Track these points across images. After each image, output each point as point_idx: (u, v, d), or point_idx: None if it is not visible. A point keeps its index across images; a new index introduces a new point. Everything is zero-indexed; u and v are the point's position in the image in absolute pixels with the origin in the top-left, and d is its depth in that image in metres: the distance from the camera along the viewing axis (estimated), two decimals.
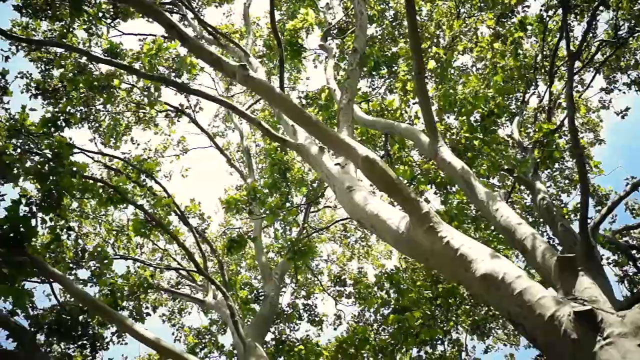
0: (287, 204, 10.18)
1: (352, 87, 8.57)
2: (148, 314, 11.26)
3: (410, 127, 8.76)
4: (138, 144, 13.34)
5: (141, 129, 13.11)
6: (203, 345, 14.17)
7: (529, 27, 11.83)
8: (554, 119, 11.87)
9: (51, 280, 7.69)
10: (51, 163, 7.69)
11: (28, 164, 8.16)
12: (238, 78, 6.38)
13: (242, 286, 11.88)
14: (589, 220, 8.82)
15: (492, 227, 10.31)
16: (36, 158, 8.56)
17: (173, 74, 11.04)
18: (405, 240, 5.53)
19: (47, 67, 11.90)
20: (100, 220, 12.72)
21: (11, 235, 7.15)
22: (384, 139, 9.35)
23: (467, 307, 11.35)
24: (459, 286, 11.05)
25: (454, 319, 11.80)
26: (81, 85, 10.14)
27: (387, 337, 9.25)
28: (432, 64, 10.15)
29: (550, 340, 4.03)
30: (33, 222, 7.60)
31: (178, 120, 13.45)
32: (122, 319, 6.54)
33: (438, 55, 10.30)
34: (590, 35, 12.38)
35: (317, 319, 14.68)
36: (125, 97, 12.41)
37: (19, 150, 8.07)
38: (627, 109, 12.90)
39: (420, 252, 5.41)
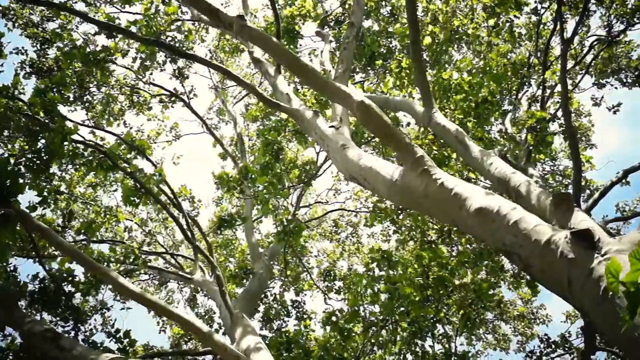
0: (279, 186, 10.10)
1: (347, 59, 8.57)
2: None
3: (404, 99, 8.77)
4: (131, 127, 13.22)
5: (134, 113, 13.02)
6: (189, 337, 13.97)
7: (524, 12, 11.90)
8: (547, 112, 11.90)
9: (37, 236, 7.52)
10: (42, 120, 7.60)
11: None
12: (235, 29, 6.35)
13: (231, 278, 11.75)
14: (581, 205, 8.82)
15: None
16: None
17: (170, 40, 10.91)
18: (399, 187, 5.48)
19: (42, 46, 11.87)
20: (88, 202, 12.57)
21: None
22: None
23: (457, 297, 11.26)
24: (449, 274, 11.00)
25: (444, 310, 11.71)
26: (76, 59, 10.06)
27: (378, 310, 9.11)
28: (427, 39, 10.20)
29: (547, 264, 3.97)
30: (20, 181, 7.48)
31: (172, 106, 13.40)
32: (107, 272, 6.41)
33: (435, 34, 10.36)
34: (583, 31, 12.54)
35: (305, 315, 14.50)
36: (119, 80, 12.41)
37: (9, 110, 7.96)
38: (619, 104, 12.98)
39: (413, 196, 5.35)
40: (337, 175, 16.10)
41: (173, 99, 13.23)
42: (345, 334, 8.89)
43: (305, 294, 14.93)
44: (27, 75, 11.39)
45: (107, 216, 11.89)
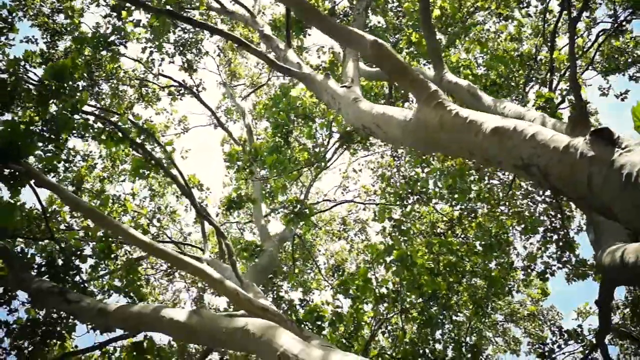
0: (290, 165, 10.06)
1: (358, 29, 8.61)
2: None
3: (415, 68, 8.80)
4: (140, 118, 13.18)
5: (143, 106, 13.08)
6: None
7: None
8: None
9: (43, 189, 7.49)
10: (52, 87, 7.61)
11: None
12: None
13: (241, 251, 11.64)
14: None
15: None
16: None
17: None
18: (413, 125, 5.46)
19: (53, 38, 11.98)
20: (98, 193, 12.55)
21: (8, 148, 7.05)
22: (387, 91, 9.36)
23: (468, 283, 11.17)
24: (460, 260, 10.91)
25: (455, 298, 11.58)
26: (86, 44, 10.14)
27: (391, 278, 8.97)
28: (437, 12, 10.25)
29: (566, 167, 3.92)
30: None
31: (181, 99, 13.45)
32: (118, 224, 6.36)
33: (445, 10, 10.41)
34: (589, 18, 12.61)
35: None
36: (128, 73, 12.49)
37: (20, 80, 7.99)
38: (626, 91, 12.96)
39: (428, 131, 5.32)
40: (345, 172, 16.10)
41: (182, 91, 13.28)
42: (358, 304, 8.76)
43: (314, 293, 14.81)
44: (37, 65, 11.48)
45: (115, 205, 11.84)
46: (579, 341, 12.16)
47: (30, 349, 8.74)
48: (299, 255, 14.48)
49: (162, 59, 12.70)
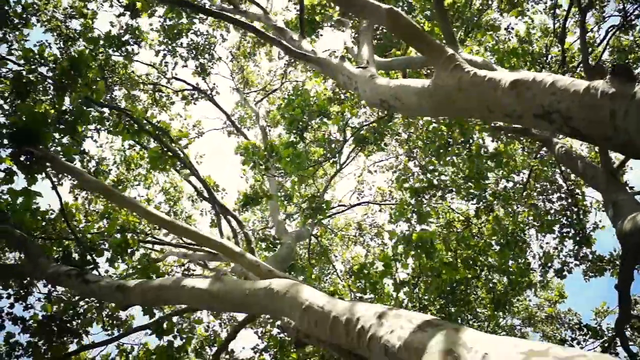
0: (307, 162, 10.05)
1: None
2: None
3: None
4: (155, 117, 13.25)
5: (157, 112, 13.15)
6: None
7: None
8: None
9: (64, 176, 7.52)
10: (70, 75, 7.67)
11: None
12: None
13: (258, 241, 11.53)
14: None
15: None
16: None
17: None
18: (431, 90, 5.46)
19: (66, 43, 12.09)
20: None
21: (24, 132, 7.10)
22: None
23: (486, 278, 11.03)
24: (477, 255, 10.81)
25: (474, 294, 11.45)
26: (100, 43, 10.24)
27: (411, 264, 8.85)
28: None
29: (588, 108, 3.93)
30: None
31: (195, 103, 13.52)
32: (136, 203, 6.35)
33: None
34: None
35: None
36: (142, 78, 12.58)
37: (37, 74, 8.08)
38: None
39: (446, 95, 5.32)
40: (360, 176, 16.06)
41: (196, 95, 13.36)
42: (378, 287, 8.67)
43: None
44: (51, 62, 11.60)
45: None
46: (599, 337, 11.99)
47: (46, 345, 8.73)
48: (315, 261, 14.39)
49: (176, 63, 12.81)
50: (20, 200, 7.20)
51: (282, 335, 9.23)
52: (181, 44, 12.75)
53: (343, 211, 15.25)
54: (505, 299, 11.43)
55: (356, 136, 12.35)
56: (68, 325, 8.83)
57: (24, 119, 7.14)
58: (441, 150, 9.04)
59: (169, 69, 12.78)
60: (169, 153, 8.60)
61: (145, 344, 10.72)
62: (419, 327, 3.61)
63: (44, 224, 9.53)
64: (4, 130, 7.01)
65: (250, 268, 5.78)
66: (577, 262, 12.43)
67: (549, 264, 12.92)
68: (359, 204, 15.55)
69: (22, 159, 7.12)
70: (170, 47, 12.30)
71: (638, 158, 4.10)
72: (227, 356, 14.78)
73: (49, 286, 8.97)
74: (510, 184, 13.12)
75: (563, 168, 12.12)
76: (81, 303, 9.01)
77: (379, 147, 12.95)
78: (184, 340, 6.49)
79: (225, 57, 16.49)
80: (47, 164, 6.93)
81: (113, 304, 9.79)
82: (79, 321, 8.74)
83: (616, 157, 11.04)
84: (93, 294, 6.19)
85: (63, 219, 7.69)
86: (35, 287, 8.90)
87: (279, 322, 6.35)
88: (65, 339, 8.80)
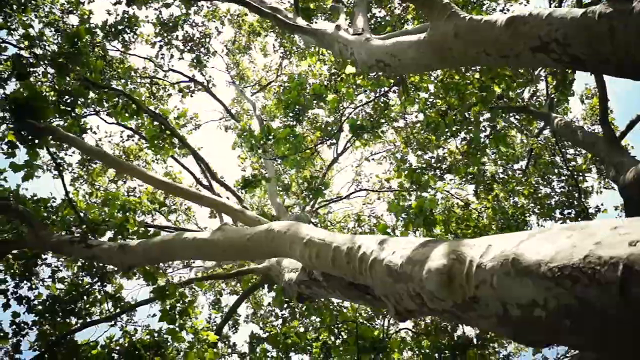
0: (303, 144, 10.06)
1: None
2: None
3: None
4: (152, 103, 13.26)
5: (154, 106, 13.15)
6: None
7: None
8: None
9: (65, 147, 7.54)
10: (69, 51, 7.72)
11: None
12: None
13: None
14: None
15: None
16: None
17: None
18: (427, 41, 5.52)
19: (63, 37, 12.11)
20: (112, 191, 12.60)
21: (26, 106, 7.14)
22: None
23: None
24: (479, 235, 10.80)
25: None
26: (96, 31, 10.28)
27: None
28: None
29: (587, 30, 3.99)
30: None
31: (191, 95, 13.57)
32: (134, 167, 6.38)
33: None
34: None
35: None
36: (138, 72, 12.63)
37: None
38: None
39: (442, 44, 5.38)
40: (359, 166, 16.08)
41: (193, 88, 13.41)
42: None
43: None
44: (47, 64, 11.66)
45: (131, 198, 11.84)
46: None
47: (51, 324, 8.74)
48: None
49: (172, 55, 12.87)
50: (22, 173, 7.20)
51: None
52: (177, 36, 12.82)
53: (342, 198, 15.27)
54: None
55: (352, 124, 12.37)
56: (72, 305, 8.83)
57: (25, 95, 7.19)
58: (440, 121, 9.05)
59: (166, 61, 12.86)
60: (168, 132, 8.64)
61: (148, 326, 10.72)
62: (421, 244, 3.63)
63: (45, 214, 9.56)
64: (6, 105, 7.05)
65: (251, 224, 5.79)
66: None
67: None
68: (357, 191, 15.56)
69: (23, 132, 7.16)
70: (166, 39, 12.36)
71: (636, 78, 4.13)
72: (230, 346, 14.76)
73: (53, 266, 8.98)
74: (510, 167, 13.14)
75: (563, 151, 12.15)
76: (86, 280, 9.00)
77: (376, 135, 12.96)
78: (186, 304, 6.49)
79: (220, 51, 16.58)
80: (49, 136, 6.95)
81: (116, 270, 9.81)
82: (83, 301, 8.73)
83: (616, 127, 11.04)
84: (96, 258, 6.19)
85: (65, 196, 7.67)
86: (39, 266, 8.90)
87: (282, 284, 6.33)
88: (69, 319, 8.80)
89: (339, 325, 9.35)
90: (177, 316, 6.50)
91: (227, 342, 14.82)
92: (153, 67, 13.19)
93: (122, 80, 12.35)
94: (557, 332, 2.35)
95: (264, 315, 15.19)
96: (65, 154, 11.00)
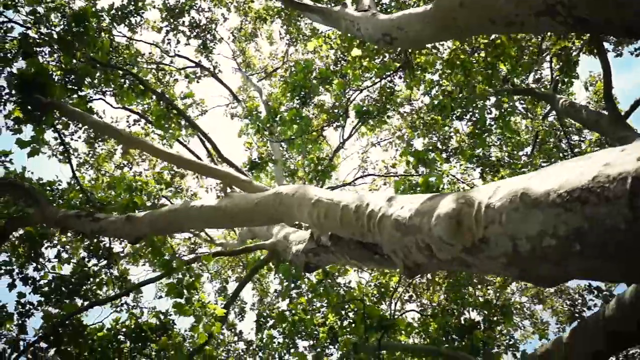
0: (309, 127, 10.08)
1: None
2: None
3: None
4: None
5: (160, 91, 13.16)
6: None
7: None
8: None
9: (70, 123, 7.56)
10: (75, 30, 7.75)
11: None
12: None
13: None
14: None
15: None
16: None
17: None
18: (433, 11, 5.54)
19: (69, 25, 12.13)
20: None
21: (33, 81, 7.16)
22: None
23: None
24: None
25: None
26: (103, 15, 10.31)
27: None
28: None
29: None
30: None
31: (198, 81, 13.60)
32: (142, 140, 6.39)
33: None
34: None
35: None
36: (144, 57, 12.65)
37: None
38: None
39: (447, 14, 5.41)
40: (364, 153, 16.05)
41: (199, 74, 13.44)
42: None
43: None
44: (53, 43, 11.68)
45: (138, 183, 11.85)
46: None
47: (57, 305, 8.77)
48: None
49: (178, 41, 12.90)
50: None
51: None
52: (183, 22, 12.86)
53: (348, 184, 15.25)
54: None
55: (358, 110, 12.39)
56: (78, 287, 8.87)
57: (32, 71, 7.22)
58: (446, 101, 9.04)
59: (172, 46, 12.89)
60: (174, 111, 8.66)
61: (154, 308, 10.75)
62: (429, 198, 3.63)
63: (51, 197, 9.61)
64: (13, 81, 7.08)
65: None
66: None
67: None
68: (363, 176, 15.55)
69: (29, 108, 7.18)
70: (172, 25, 12.39)
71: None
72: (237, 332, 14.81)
73: (59, 247, 9.02)
74: (515, 153, 13.09)
75: (568, 136, 12.13)
76: (92, 262, 9.04)
77: (382, 121, 12.97)
78: (193, 278, 6.51)
79: (227, 38, 16.63)
80: (55, 111, 6.97)
81: (125, 241, 9.81)
82: (89, 282, 8.77)
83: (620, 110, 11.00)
84: (103, 231, 6.21)
85: (72, 174, 7.71)
86: (45, 247, 8.93)
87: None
88: (75, 300, 8.84)
89: (346, 307, 9.37)
90: (184, 290, 6.53)
91: (233, 330, 14.87)
92: (159, 53, 13.26)
93: (129, 65, 12.39)
94: (566, 259, 2.35)
95: (270, 302, 15.25)
96: (72, 139, 11.05)
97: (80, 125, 10.91)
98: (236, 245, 13.95)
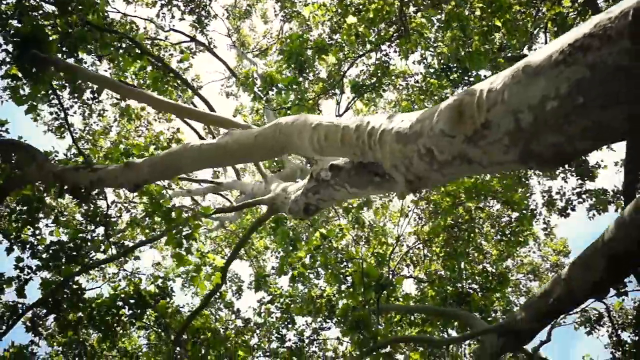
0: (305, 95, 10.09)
1: None
2: None
3: None
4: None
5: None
6: None
7: None
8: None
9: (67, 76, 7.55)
10: None
11: None
12: None
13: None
14: None
15: None
16: None
17: None
18: None
19: None
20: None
21: (31, 40, 7.15)
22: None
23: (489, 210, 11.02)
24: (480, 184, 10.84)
25: (478, 228, 11.47)
26: None
27: None
28: None
29: None
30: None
31: (193, 57, 13.58)
32: (141, 91, 6.39)
33: None
34: None
35: None
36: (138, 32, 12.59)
37: None
38: None
39: None
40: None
41: (194, 49, 13.44)
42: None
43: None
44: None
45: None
46: None
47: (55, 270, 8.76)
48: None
49: (173, 16, 12.90)
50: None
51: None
52: None
53: None
54: (510, 230, 11.49)
55: (354, 84, 12.41)
56: (76, 253, 8.85)
57: (29, 27, 7.21)
58: (442, 65, 9.05)
59: (167, 21, 12.88)
60: (170, 74, 8.66)
61: (152, 274, 10.74)
62: (430, 108, 3.64)
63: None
64: (10, 36, 7.08)
65: None
66: (581, 200, 12.46)
67: (553, 198, 12.93)
68: None
69: (26, 66, 7.18)
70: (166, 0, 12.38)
71: None
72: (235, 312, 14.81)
73: (56, 210, 9.01)
74: None
75: None
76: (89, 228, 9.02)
77: (378, 94, 13.00)
78: (191, 229, 6.51)
79: (221, 15, 16.61)
80: (52, 67, 6.97)
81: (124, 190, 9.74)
82: (87, 247, 8.76)
83: None
84: (102, 182, 6.20)
85: (66, 127, 7.68)
86: (43, 211, 8.89)
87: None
88: (73, 265, 8.82)
89: (344, 271, 9.39)
90: (183, 240, 6.54)
91: (231, 309, 14.87)
92: (154, 29, 13.23)
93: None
94: (569, 118, 2.38)
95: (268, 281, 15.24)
96: (67, 114, 11.01)
97: (77, 97, 10.87)
98: (234, 218, 14.00)
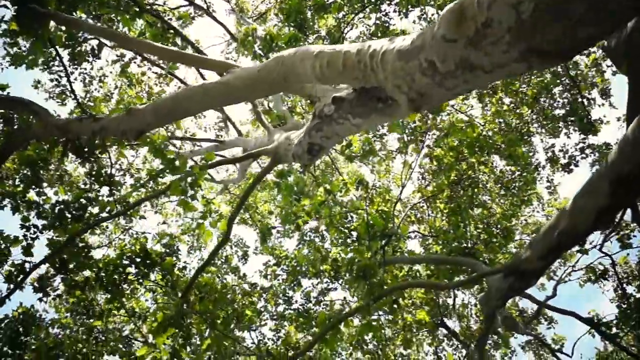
0: None
1: None
2: None
3: None
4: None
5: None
6: None
7: None
8: None
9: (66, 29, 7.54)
10: None
11: None
12: None
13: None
14: None
15: None
16: None
17: None
18: None
19: None
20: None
21: None
22: None
23: (492, 166, 11.02)
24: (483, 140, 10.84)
25: (482, 183, 11.49)
26: None
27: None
28: None
29: None
30: None
31: (192, 20, 13.51)
32: (139, 40, 6.38)
33: None
34: None
35: None
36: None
37: None
38: None
39: None
40: None
41: (193, 14, 13.37)
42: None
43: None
44: None
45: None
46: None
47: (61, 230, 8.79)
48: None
49: None
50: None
51: None
52: None
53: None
54: (513, 186, 11.52)
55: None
56: (81, 212, 8.88)
57: None
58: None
59: None
60: (170, 31, 8.63)
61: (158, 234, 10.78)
62: (430, 25, 3.62)
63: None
64: None
65: None
66: (584, 155, 12.44)
67: (556, 155, 12.92)
68: None
69: (25, 20, 7.14)
70: None
71: None
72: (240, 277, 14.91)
73: (60, 170, 9.04)
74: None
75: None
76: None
77: None
78: (195, 177, 6.52)
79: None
80: (51, 21, 6.94)
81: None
82: (92, 205, 8.78)
83: None
84: (104, 130, 6.20)
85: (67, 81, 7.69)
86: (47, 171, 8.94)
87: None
88: (78, 225, 8.86)
89: (349, 224, 9.43)
90: (188, 187, 6.56)
91: (237, 273, 14.96)
92: None
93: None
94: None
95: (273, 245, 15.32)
96: (69, 75, 11.00)
97: (77, 64, 10.84)
98: (238, 180, 14.03)
